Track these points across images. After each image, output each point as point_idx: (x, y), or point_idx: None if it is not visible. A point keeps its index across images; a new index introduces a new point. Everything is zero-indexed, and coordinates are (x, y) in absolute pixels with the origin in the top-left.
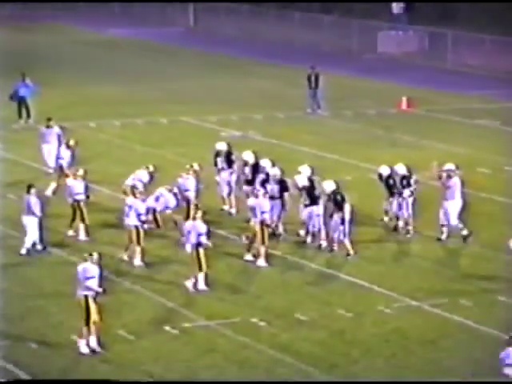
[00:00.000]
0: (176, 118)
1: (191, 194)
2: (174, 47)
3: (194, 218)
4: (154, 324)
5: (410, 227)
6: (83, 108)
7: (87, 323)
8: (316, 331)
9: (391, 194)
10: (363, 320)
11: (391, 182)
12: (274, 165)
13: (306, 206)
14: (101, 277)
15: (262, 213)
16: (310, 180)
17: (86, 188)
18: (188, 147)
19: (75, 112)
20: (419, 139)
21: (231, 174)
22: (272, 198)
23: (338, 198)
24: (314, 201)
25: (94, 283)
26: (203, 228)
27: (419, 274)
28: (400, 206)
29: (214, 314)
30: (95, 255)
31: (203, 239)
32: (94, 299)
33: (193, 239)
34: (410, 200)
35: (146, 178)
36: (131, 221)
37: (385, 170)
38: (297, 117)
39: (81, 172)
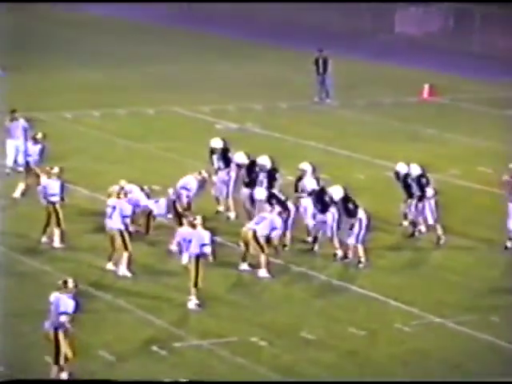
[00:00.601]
0: (164, 107)
1: (183, 193)
2: (163, 27)
3: (194, 226)
4: (139, 343)
5: (440, 232)
6: (57, 96)
7: (56, 361)
8: (324, 352)
9: (410, 196)
10: (378, 339)
11: (410, 181)
12: (273, 162)
13: (318, 211)
14: (75, 311)
15: (273, 229)
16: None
17: (62, 188)
18: (177, 141)
19: (48, 101)
20: (442, 132)
21: (228, 173)
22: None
23: (350, 206)
24: (324, 206)
25: (66, 320)
26: (207, 237)
27: (443, 286)
28: (421, 210)
29: (208, 332)
30: (70, 284)
31: (208, 249)
32: (65, 333)
33: (194, 249)
34: (433, 201)
35: (143, 201)
36: (114, 224)
37: (402, 168)
38: (302, 107)
39: (56, 170)
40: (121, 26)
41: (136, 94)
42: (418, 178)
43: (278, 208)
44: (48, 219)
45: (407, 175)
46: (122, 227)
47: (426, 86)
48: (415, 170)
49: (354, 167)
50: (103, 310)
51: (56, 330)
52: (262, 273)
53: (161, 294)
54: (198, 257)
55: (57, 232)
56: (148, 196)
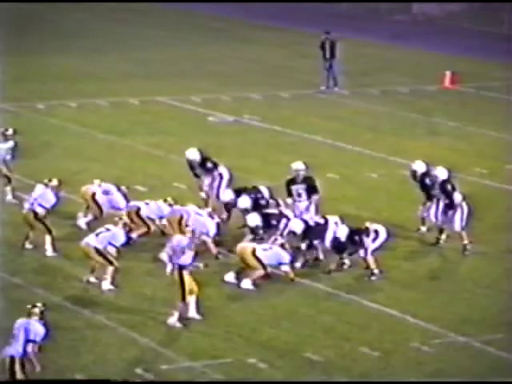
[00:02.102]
0: (150, 98)
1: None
2: (148, 5)
3: (183, 232)
4: (122, 365)
5: (466, 241)
6: (29, 85)
7: None
8: (332, 375)
9: (429, 198)
10: (393, 360)
11: (428, 181)
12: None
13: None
14: (44, 339)
15: (280, 264)
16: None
17: (55, 204)
18: (165, 136)
19: (19, 90)
20: (467, 125)
21: (213, 180)
22: None
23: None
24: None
25: (33, 349)
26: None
27: (467, 300)
28: (450, 217)
29: (200, 352)
30: (37, 309)
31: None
32: (23, 362)
33: (181, 259)
34: (465, 205)
35: (122, 203)
36: (96, 242)
37: (420, 167)
38: (307, 96)
39: (55, 182)
40: (101, 6)
41: (118, 82)
42: (443, 184)
43: (280, 240)
44: (30, 226)
45: (425, 175)
46: (101, 247)
47: (448, 73)
48: (442, 174)
49: (366, 165)
50: (81, 327)
51: (13, 357)
52: (246, 284)
53: (146, 309)
54: (181, 267)
55: (48, 240)
56: (125, 196)
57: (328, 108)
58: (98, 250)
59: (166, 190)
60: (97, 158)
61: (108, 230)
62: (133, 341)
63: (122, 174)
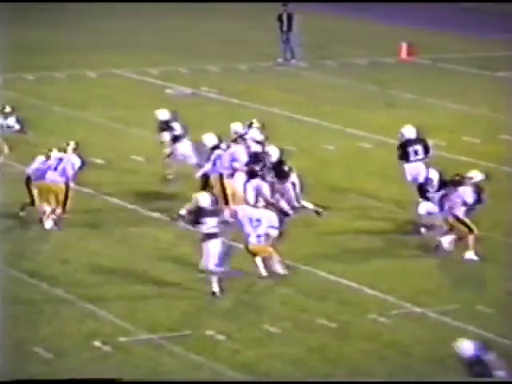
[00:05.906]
0: (107, 70)
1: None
2: None
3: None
4: (80, 338)
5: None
6: None
7: None
8: (290, 346)
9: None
10: (350, 331)
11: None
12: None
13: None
14: None
15: (270, 227)
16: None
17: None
18: (123, 109)
19: None
20: (424, 97)
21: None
22: None
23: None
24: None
25: None
26: (274, 219)
27: (424, 272)
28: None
29: (158, 325)
30: None
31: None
32: None
33: (262, 230)
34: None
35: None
36: (55, 176)
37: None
38: (264, 68)
39: (72, 145)
40: None
41: (76, 54)
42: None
43: (283, 204)
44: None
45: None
46: (64, 180)
47: (405, 45)
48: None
49: (324, 137)
50: (40, 301)
51: None
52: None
53: (105, 282)
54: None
55: (58, 212)
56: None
57: (286, 80)
58: (67, 185)
59: (124, 163)
60: (53, 130)
61: (60, 159)
62: (91, 313)
63: (80, 146)
